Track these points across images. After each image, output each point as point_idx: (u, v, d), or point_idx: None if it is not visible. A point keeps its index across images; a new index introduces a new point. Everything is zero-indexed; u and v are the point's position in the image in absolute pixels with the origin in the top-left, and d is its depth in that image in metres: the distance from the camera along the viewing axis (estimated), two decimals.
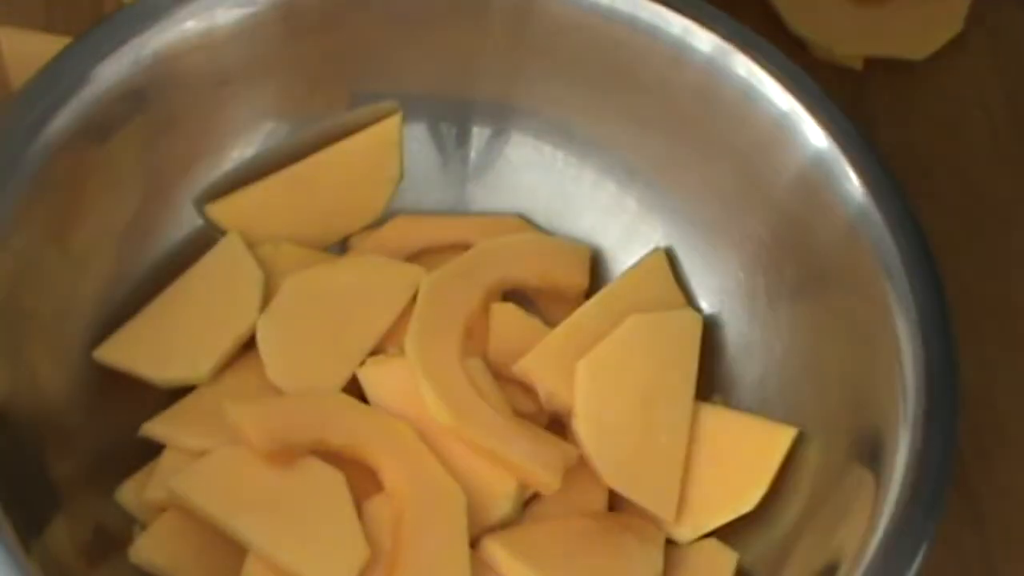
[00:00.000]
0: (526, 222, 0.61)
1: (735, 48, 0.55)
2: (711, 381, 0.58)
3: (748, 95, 0.56)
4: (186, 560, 0.53)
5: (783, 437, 0.55)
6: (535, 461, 0.54)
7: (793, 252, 0.56)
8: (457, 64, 0.59)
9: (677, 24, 0.56)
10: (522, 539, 0.54)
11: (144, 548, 0.53)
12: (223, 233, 0.58)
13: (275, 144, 0.59)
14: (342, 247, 0.61)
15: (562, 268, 0.60)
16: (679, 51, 0.56)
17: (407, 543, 0.53)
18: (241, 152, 0.59)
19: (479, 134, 0.61)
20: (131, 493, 0.55)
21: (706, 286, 0.59)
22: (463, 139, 0.61)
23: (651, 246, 0.60)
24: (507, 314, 0.58)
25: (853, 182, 0.54)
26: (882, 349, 0.52)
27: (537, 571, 0.53)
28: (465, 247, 0.60)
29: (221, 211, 0.59)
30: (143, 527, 0.54)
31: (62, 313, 0.55)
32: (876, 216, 0.53)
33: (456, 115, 0.61)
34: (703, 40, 0.56)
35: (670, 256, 0.60)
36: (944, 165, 0.66)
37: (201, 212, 0.59)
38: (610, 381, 0.56)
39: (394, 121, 0.60)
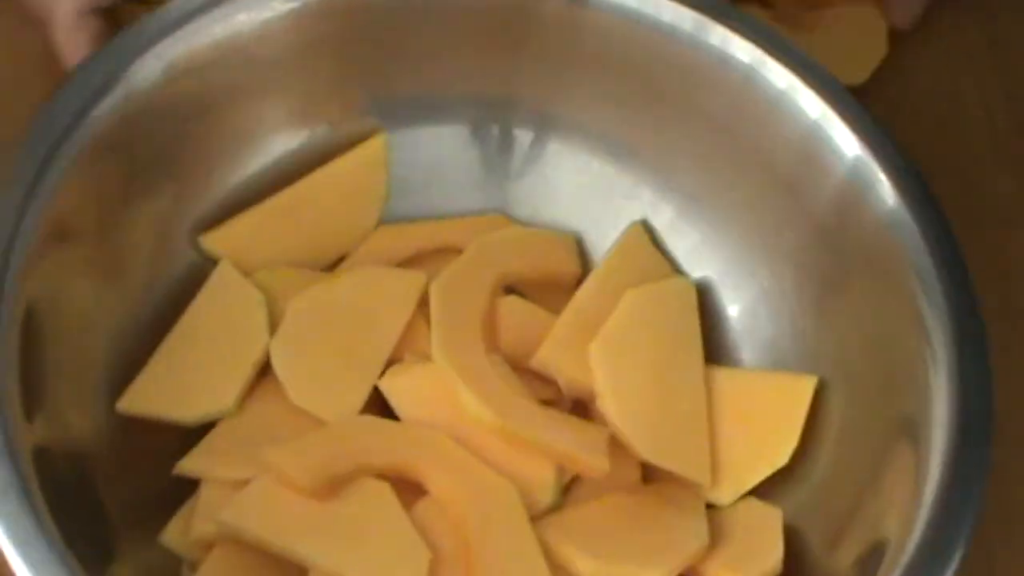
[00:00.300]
0: (507, 218, 0.62)
1: (772, 57, 0.57)
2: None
3: (782, 103, 0.57)
4: None
5: (805, 387, 0.57)
6: (581, 447, 0.55)
7: (824, 257, 0.58)
8: (500, 70, 0.60)
9: (717, 33, 0.57)
10: (567, 523, 0.55)
11: None
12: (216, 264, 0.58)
13: (262, 169, 0.59)
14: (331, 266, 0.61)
15: (555, 258, 0.61)
16: (719, 60, 0.57)
17: (478, 543, 0.53)
18: (238, 175, 0.59)
19: (520, 138, 0.62)
20: (176, 533, 0.54)
21: (732, 287, 0.61)
22: (505, 143, 0.62)
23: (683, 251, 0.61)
24: (514, 307, 0.59)
25: (886, 189, 0.55)
26: (910, 337, 0.53)
27: (587, 553, 0.54)
28: (453, 249, 0.60)
29: (216, 241, 0.58)
30: (192, 567, 0.54)
31: (82, 364, 0.54)
32: (909, 222, 0.54)
33: (498, 119, 0.61)
34: (742, 49, 0.57)
35: (646, 228, 0.61)
36: (944, 165, 0.66)
37: (194, 244, 0.58)
38: (624, 357, 0.57)
39: (379, 140, 0.60)
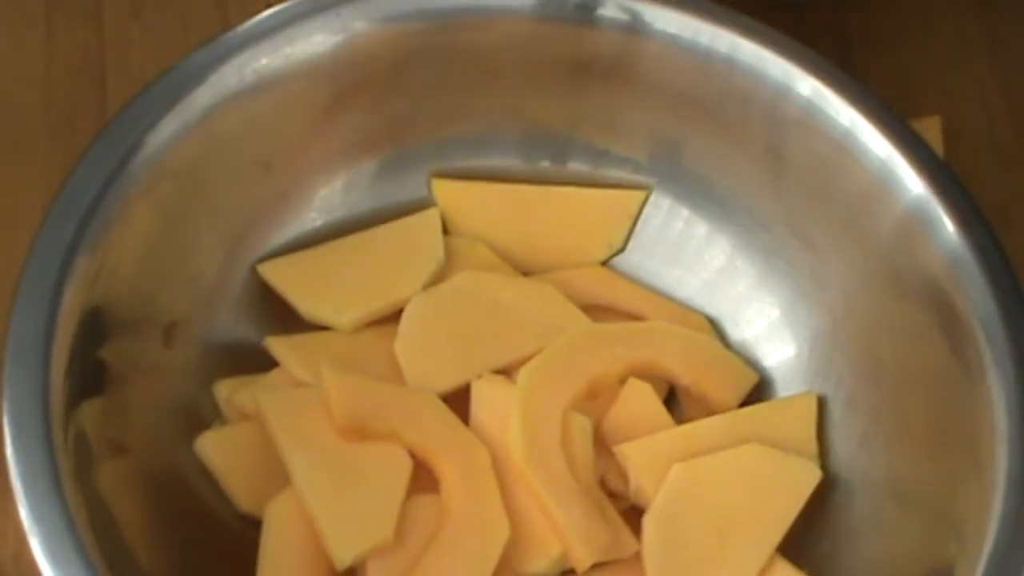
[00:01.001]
0: (713, 327, 0.61)
1: (834, 92, 0.55)
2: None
3: (846, 141, 0.55)
4: (238, 471, 0.55)
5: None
6: (577, 532, 0.53)
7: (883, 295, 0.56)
8: (559, 106, 0.59)
9: (778, 67, 0.56)
10: None
11: (208, 443, 0.55)
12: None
13: (332, 217, 0.60)
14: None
15: (717, 383, 0.59)
16: (778, 94, 0.56)
17: (434, 554, 0.53)
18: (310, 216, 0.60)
19: (577, 171, 0.61)
20: (226, 390, 0.57)
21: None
22: (559, 177, 0.61)
23: (744, 288, 0.60)
24: (639, 393, 0.58)
25: (949, 229, 0.53)
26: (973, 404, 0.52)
27: None
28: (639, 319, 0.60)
29: (272, 271, 0.59)
30: (222, 423, 0.56)
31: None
32: (971, 263, 0.53)
33: (552, 153, 0.61)
34: (803, 83, 0.55)
35: (821, 405, 0.58)
36: None
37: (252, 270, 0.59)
38: (698, 496, 0.55)
39: (433, 213, 0.60)
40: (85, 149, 0.52)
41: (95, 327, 0.51)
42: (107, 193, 0.52)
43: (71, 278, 0.50)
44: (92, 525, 0.47)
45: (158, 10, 0.66)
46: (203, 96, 0.54)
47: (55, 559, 0.47)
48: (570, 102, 0.59)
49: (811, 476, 0.56)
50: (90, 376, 0.51)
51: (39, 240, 0.51)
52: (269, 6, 0.65)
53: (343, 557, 0.52)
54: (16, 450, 0.47)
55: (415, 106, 0.59)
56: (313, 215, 0.59)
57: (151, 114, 0.53)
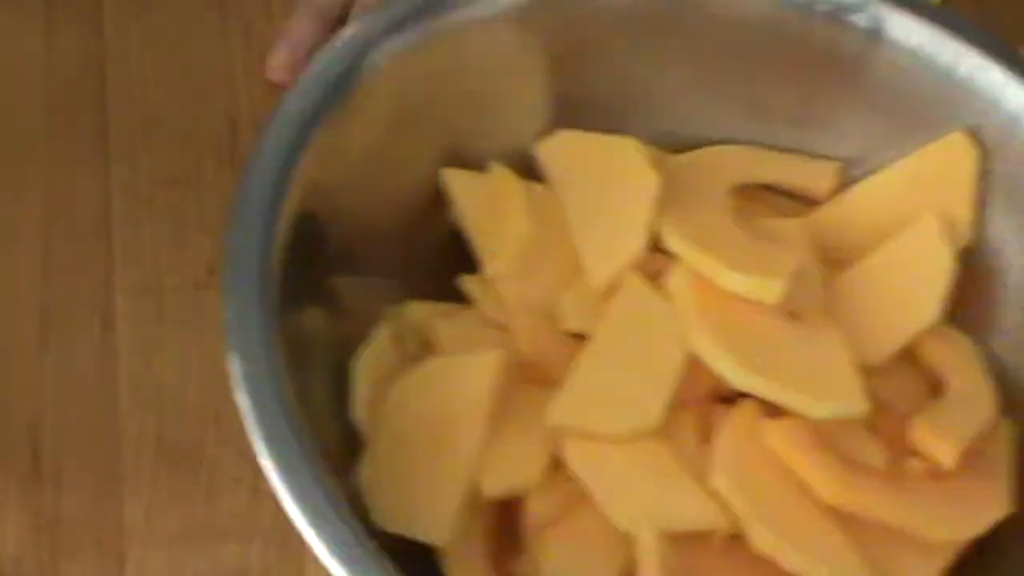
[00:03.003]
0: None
1: None
2: None
3: None
4: None
5: None
6: None
7: None
8: (783, 94, 0.58)
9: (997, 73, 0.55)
10: None
11: None
12: None
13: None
14: None
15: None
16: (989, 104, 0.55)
17: None
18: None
19: None
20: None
21: None
22: None
23: None
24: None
25: None
26: None
27: None
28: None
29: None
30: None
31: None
32: None
33: (767, 135, 0.59)
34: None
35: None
36: None
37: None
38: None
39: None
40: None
41: (313, 230, 0.51)
42: (338, 90, 0.52)
43: (293, 177, 0.50)
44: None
45: (158, 10, 0.66)
46: (453, 15, 0.54)
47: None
48: (794, 93, 0.58)
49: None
50: (304, 281, 0.50)
51: (267, 135, 0.50)
52: (268, 7, 0.65)
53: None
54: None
55: (648, 72, 0.57)
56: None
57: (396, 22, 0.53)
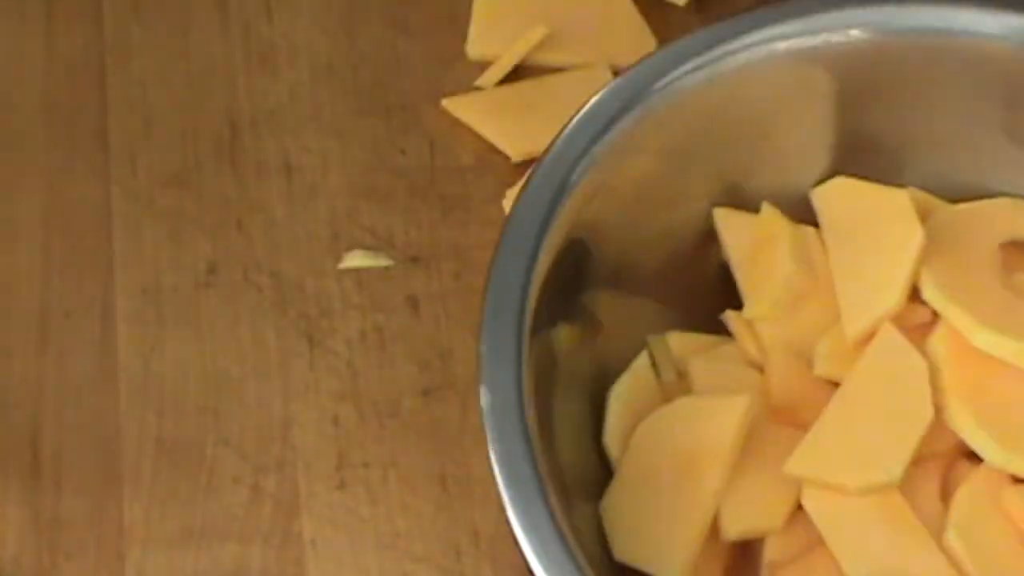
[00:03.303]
0: None
1: None
2: None
3: None
4: None
5: None
6: None
7: None
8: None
9: None
10: None
11: None
12: None
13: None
14: None
15: None
16: None
17: None
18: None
19: None
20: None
21: None
22: None
23: None
24: None
25: None
26: None
27: None
28: None
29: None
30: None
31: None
32: None
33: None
34: None
35: None
36: None
37: None
38: None
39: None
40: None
41: (577, 260, 0.52)
42: (613, 127, 0.53)
43: (563, 202, 0.51)
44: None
45: (158, 10, 0.66)
46: (735, 55, 0.54)
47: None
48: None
49: None
50: (564, 306, 0.52)
51: (538, 169, 0.52)
52: (268, 7, 0.65)
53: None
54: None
55: (928, 117, 0.57)
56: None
57: (679, 59, 0.54)
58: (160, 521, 0.55)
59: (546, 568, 0.46)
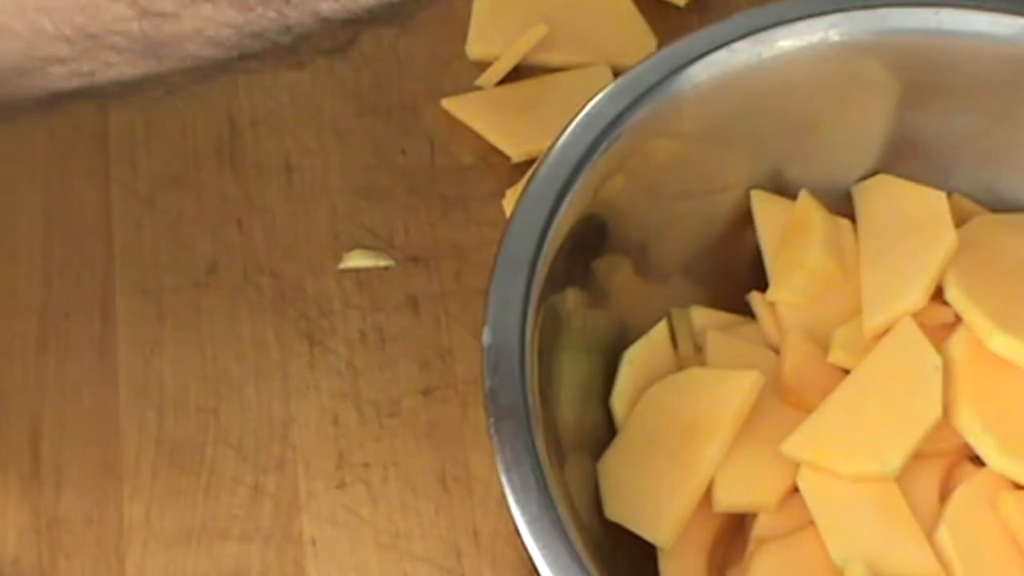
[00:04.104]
0: None
1: None
2: None
3: None
4: None
5: None
6: None
7: None
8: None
9: None
10: None
11: None
12: None
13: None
14: None
15: None
16: None
17: None
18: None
19: None
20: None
21: None
22: None
23: None
24: None
25: None
26: None
27: None
28: None
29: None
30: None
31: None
32: None
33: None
34: None
35: None
36: None
37: None
38: None
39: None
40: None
41: (597, 227, 0.52)
42: (648, 99, 0.53)
43: (581, 177, 0.51)
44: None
45: None
46: (781, 42, 0.54)
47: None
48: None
49: None
50: (580, 272, 0.52)
51: (567, 130, 0.51)
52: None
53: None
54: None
55: (976, 124, 0.56)
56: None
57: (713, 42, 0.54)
58: (160, 521, 0.55)
59: (519, 492, 0.46)
